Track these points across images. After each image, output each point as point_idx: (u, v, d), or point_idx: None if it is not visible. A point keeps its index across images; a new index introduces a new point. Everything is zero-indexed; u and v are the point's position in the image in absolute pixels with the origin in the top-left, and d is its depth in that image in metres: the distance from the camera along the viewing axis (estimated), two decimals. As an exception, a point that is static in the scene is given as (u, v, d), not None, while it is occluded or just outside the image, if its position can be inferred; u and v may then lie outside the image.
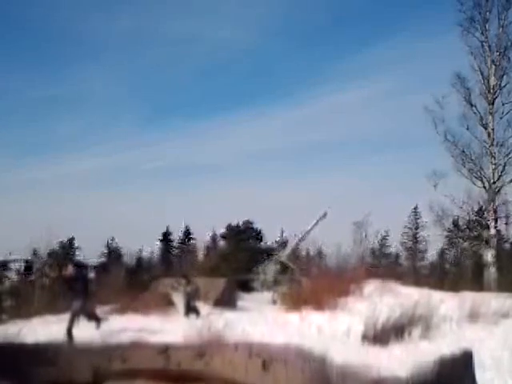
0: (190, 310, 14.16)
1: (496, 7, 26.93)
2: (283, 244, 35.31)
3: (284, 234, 44.25)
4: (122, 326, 12.27)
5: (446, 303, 13.77)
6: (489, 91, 26.81)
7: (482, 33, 27.00)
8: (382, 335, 9.61)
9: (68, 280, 12.44)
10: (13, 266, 38.31)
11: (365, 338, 9.77)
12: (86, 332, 11.21)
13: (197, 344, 3.46)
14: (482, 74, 26.97)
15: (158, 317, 14.99)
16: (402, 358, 7.69)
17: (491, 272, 25.53)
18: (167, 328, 12.77)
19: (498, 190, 26.83)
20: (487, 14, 26.95)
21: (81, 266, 15.55)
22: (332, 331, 10.76)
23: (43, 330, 12.50)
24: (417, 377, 2.41)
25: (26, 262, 37.30)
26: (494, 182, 26.66)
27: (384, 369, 4.50)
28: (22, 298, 23.35)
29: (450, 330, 11.34)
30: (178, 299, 15.24)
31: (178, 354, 3.10)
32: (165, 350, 3.13)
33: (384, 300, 13.54)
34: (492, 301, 14.50)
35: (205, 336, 9.16)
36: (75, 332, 11.27)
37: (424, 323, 10.80)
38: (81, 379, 3.01)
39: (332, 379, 2.38)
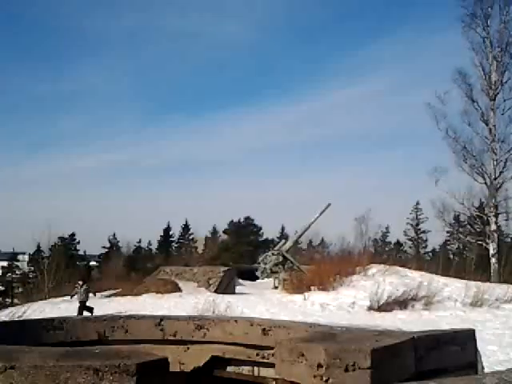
0: (86, 308, 14.78)
1: (497, 3, 26.97)
2: (284, 238, 35.39)
3: (285, 231, 44.62)
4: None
5: (450, 287, 13.80)
6: (490, 87, 26.76)
7: (483, 28, 27.00)
8: (387, 306, 9.62)
9: None
10: (21, 258, 44.36)
11: (370, 308, 9.77)
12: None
13: (196, 317, 3.53)
14: (483, 69, 26.96)
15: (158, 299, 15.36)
16: (406, 319, 7.69)
17: (493, 265, 25.55)
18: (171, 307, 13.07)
19: (500, 186, 26.80)
20: (489, 9, 26.97)
21: None
22: (337, 304, 10.73)
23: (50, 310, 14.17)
24: (421, 333, 2.44)
25: (32, 254, 41.15)
26: (495, 178, 26.60)
27: (389, 326, 4.51)
28: (31, 286, 27.82)
29: (453, 307, 11.34)
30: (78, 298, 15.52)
31: (174, 325, 3.22)
32: (160, 321, 3.27)
33: (387, 279, 13.52)
34: (496, 288, 14.62)
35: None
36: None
37: (427, 299, 10.80)
38: (87, 339, 3.16)
39: (336, 333, 2.38)
